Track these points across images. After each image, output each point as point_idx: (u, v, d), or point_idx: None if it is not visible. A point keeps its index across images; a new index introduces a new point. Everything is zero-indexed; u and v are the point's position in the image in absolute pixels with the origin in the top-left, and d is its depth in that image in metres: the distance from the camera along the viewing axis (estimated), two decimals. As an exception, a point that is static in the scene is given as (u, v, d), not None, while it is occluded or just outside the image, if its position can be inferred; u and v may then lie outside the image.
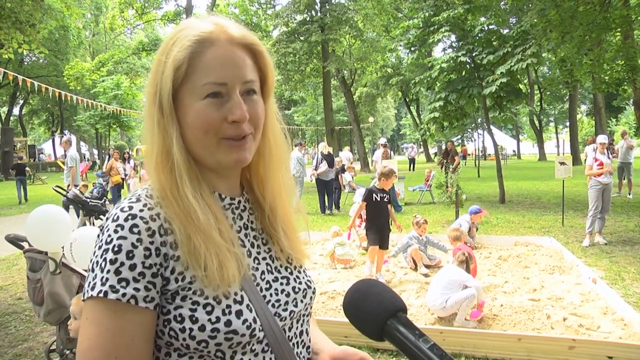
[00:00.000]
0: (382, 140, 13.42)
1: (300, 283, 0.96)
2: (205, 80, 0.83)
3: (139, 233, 0.77)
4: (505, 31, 12.90)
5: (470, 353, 3.63)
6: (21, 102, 42.62)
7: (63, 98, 18.63)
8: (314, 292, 0.99)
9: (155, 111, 0.85)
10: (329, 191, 11.74)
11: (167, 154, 0.84)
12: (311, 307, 0.99)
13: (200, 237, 0.80)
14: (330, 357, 0.99)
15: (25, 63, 36.85)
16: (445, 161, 14.59)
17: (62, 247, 2.96)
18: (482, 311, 4.33)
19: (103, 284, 0.75)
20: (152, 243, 0.78)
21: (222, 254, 0.81)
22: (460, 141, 37.94)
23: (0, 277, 6.46)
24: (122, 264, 0.76)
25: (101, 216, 6.88)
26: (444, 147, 15.06)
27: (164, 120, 0.84)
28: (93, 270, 0.78)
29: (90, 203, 6.89)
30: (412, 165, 30.86)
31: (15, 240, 3.31)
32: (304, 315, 0.95)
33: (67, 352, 3.08)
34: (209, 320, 0.78)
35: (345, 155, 15.86)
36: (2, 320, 4.77)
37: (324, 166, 11.36)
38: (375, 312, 0.74)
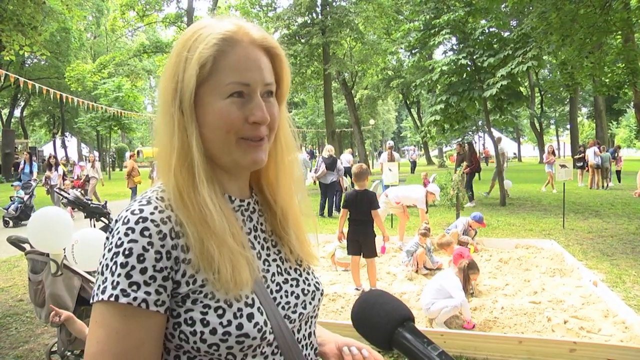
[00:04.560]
0: (389, 143, 13.52)
1: (309, 285, 0.96)
2: (229, 80, 0.83)
3: (150, 236, 0.76)
4: (506, 34, 12.95)
5: (471, 355, 3.63)
6: (22, 104, 42.68)
7: (64, 100, 18.67)
8: (322, 294, 0.99)
9: (174, 109, 0.83)
10: (329, 194, 11.75)
11: (185, 154, 0.83)
12: (319, 309, 0.99)
13: (214, 242, 0.80)
14: (336, 346, 1.01)
15: (27, 65, 36.88)
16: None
17: (64, 249, 2.96)
18: (472, 323, 4.31)
19: (114, 288, 0.74)
20: (163, 246, 0.77)
21: (235, 259, 0.81)
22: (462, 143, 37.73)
23: (2, 279, 6.47)
24: (133, 267, 0.75)
25: (102, 218, 6.86)
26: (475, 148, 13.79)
27: (184, 118, 0.83)
28: (103, 274, 0.77)
29: (91, 205, 6.88)
30: (413, 168, 30.92)
31: (16, 242, 3.32)
32: (312, 317, 0.96)
33: (68, 353, 3.08)
34: (221, 323, 0.78)
35: (345, 158, 15.86)
36: (3, 322, 4.77)
37: (320, 169, 11.42)
38: (383, 322, 0.75)
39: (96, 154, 47.46)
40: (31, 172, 13.77)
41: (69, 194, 7.24)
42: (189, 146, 0.83)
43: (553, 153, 16.16)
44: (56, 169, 13.61)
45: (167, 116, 0.84)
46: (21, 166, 13.81)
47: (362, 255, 5.33)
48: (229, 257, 0.80)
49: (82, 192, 12.23)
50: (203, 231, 0.80)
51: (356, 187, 5.45)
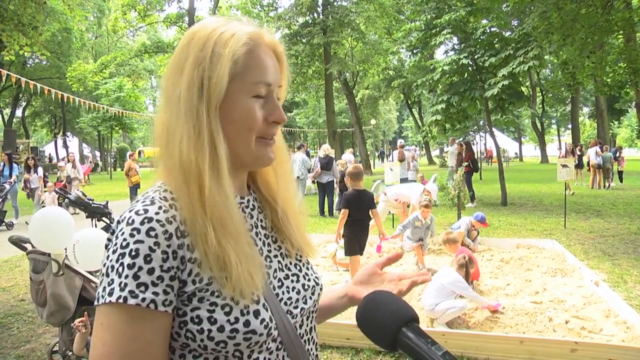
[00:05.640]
0: (400, 142, 13.99)
1: (309, 280, 0.97)
2: (256, 79, 0.85)
3: (156, 236, 0.76)
4: (507, 34, 12.92)
5: (472, 355, 3.63)
6: (24, 104, 42.74)
7: (65, 100, 18.68)
8: (321, 289, 1.01)
9: (202, 105, 0.82)
10: (328, 193, 11.76)
11: (211, 152, 0.81)
12: (318, 304, 1.01)
13: (230, 245, 0.80)
14: (354, 283, 1.08)
15: (28, 65, 36.93)
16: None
17: (65, 249, 2.97)
18: (495, 309, 4.42)
19: (122, 290, 0.73)
20: (169, 246, 0.77)
21: (249, 262, 0.82)
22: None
23: (3, 279, 6.48)
24: (140, 268, 0.74)
25: (103, 218, 6.87)
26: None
27: (210, 115, 0.82)
28: (108, 275, 0.76)
29: (92, 205, 6.88)
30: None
31: (18, 242, 3.32)
32: (312, 312, 0.97)
33: (70, 353, 3.08)
34: (228, 321, 0.78)
35: (347, 158, 15.88)
36: (5, 322, 4.78)
37: (315, 169, 11.47)
38: (388, 322, 0.75)
39: (97, 154, 47.64)
40: (10, 174, 12.35)
41: (69, 193, 7.25)
42: (215, 144, 0.82)
43: (572, 152, 15.87)
44: (35, 171, 12.59)
45: (188, 113, 0.82)
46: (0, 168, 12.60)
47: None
48: (244, 260, 0.81)
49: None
50: (221, 233, 0.80)
51: (355, 187, 5.51)
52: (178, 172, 0.82)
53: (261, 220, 0.97)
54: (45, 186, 12.17)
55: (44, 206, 11.31)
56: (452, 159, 14.94)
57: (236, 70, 0.83)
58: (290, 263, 0.97)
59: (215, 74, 0.82)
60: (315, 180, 11.75)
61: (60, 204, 11.37)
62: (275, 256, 0.95)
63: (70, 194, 7.31)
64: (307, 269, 1.00)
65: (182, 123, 0.82)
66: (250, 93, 0.85)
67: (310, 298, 0.95)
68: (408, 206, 8.19)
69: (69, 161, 14.73)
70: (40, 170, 12.79)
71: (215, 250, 0.79)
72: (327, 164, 11.45)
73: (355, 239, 5.38)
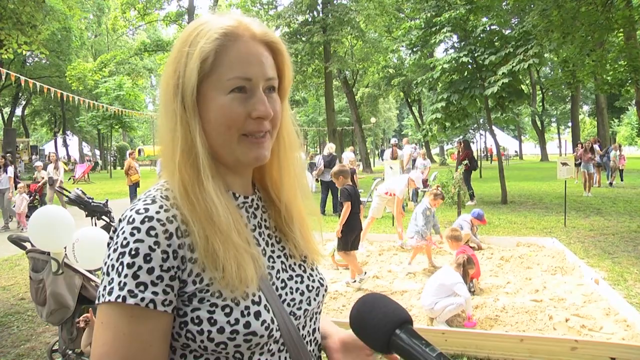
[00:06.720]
0: (393, 140, 14.09)
1: (313, 281, 0.96)
2: (231, 75, 0.82)
3: (156, 236, 0.76)
4: (507, 32, 12.91)
5: (472, 354, 3.63)
6: (24, 102, 42.75)
7: (65, 99, 18.64)
8: (326, 290, 1.00)
9: (177, 105, 0.82)
10: (332, 191, 11.76)
11: (189, 150, 0.82)
12: (323, 305, 0.99)
13: (218, 239, 0.79)
14: (339, 340, 1.00)
15: (28, 64, 36.91)
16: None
17: (65, 248, 2.96)
18: (473, 321, 4.30)
19: (121, 289, 0.73)
20: (169, 246, 0.76)
21: (240, 256, 0.80)
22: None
23: (3, 278, 6.48)
24: (139, 267, 0.74)
25: (103, 217, 6.85)
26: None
27: (187, 114, 0.82)
28: (108, 274, 0.76)
29: (92, 203, 6.86)
30: (414, 166, 30.95)
31: (17, 241, 3.32)
32: (316, 314, 0.96)
33: (70, 352, 3.09)
34: (228, 322, 0.77)
35: (347, 156, 15.88)
36: (5, 321, 4.78)
37: (319, 166, 11.51)
38: (381, 325, 0.75)
39: (97, 152, 47.62)
40: None
41: (69, 192, 7.24)
42: (193, 142, 0.82)
43: (591, 150, 15.27)
44: (5, 171, 11.69)
45: (169, 112, 0.84)
46: None
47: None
48: (234, 254, 0.80)
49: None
50: (208, 228, 0.79)
51: (347, 184, 5.72)
52: (167, 169, 0.84)
53: (265, 220, 0.95)
54: (15, 187, 11.48)
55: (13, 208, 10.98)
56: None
57: (206, 68, 0.82)
58: (295, 264, 0.95)
59: (183, 73, 0.82)
60: (319, 179, 11.79)
61: (30, 207, 11.05)
62: (279, 257, 0.93)
63: (70, 192, 7.28)
64: (312, 269, 0.98)
65: (165, 122, 0.84)
66: (226, 90, 0.82)
67: (315, 299, 0.94)
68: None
69: (50, 161, 13.79)
70: (10, 170, 11.83)
71: (205, 247, 0.79)
72: (330, 162, 11.49)
73: (352, 233, 5.55)
